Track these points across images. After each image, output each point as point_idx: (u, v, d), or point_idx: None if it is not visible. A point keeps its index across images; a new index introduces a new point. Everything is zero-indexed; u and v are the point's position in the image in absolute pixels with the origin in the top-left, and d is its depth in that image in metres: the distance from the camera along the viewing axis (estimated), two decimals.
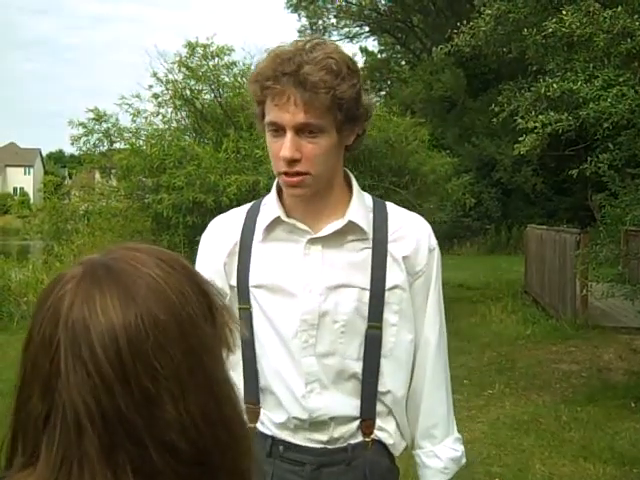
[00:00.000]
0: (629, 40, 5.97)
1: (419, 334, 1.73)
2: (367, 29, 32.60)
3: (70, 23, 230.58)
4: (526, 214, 22.87)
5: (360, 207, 1.70)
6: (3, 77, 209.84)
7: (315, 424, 1.66)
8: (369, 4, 30.68)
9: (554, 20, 6.25)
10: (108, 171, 12.02)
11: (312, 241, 1.67)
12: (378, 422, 1.69)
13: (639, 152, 6.79)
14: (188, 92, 10.76)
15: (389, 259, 1.67)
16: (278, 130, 1.58)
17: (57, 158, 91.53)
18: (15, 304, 10.48)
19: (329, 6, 31.11)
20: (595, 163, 6.68)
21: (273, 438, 1.69)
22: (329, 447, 1.66)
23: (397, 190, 10.39)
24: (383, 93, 30.76)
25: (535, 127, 6.30)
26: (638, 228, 10.06)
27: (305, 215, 1.68)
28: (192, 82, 10.74)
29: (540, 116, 6.30)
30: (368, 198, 1.76)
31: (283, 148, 1.56)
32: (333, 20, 31.73)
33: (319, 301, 1.64)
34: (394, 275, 1.67)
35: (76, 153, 12.88)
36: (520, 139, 6.66)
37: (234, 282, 1.72)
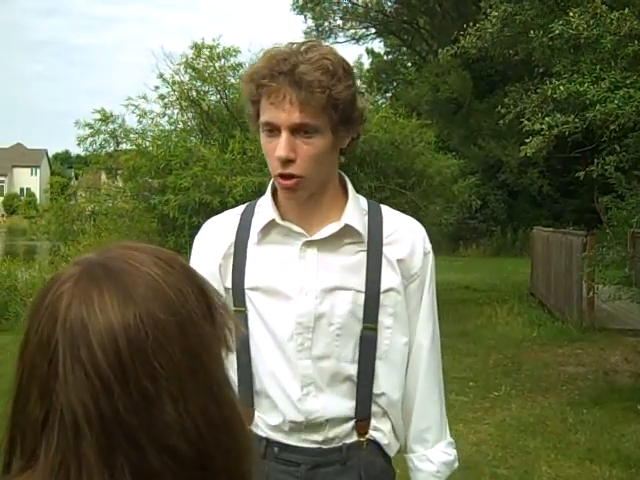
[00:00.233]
0: (636, 42, 5.97)
1: (412, 337, 1.73)
2: (373, 31, 32.56)
3: (78, 24, 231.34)
4: (532, 216, 22.82)
5: (356, 210, 1.69)
6: (10, 78, 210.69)
7: (311, 426, 1.66)
8: (375, 6, 30.65)
9: (561, 22, 6.24)
10: (114, 172, 12.06)
11: (307, 244, 1.66)
12: (373, 422, 1.69)
13: None
14: (194, 93, 10.78)
15: (384, 262, 1.68)
16: (273, 130, 1.58)
17: (63, 159, 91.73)
18: (22, 304, 10.49)
19: (335, 8, 31.08)
20: (602, 165, 6.66)
21: (267, 440, 1.68)
22: (324, 447, 1.66)
23: (403, 192, 10.38)
24: (389, 95, 30.73)
25: (541, 129, 6.30)
26: None
27: (300, 218, 1.68)
28: (198, 83, 10.76)
29: (546, 118, 6.29)
30: (363, 201, 1.76)
31: (278, 148, 1.56)
32: (339, 22, 31.69)
33: (315, 304, 1.64)
34: (389, 278, 1.67)
35: (82, 154, 12.92)
36: (527, 141, 6.65)
37: (229, 284, 1.71)
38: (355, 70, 1.71)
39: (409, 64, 33.44)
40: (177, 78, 10.70)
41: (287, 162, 1.57)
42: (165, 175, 9.61)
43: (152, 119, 10.72)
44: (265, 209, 1.71)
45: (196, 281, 0.85)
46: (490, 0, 8.32)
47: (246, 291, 1.69)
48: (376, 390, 1.68)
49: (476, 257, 22.54)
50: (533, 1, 7.50)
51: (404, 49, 33.64)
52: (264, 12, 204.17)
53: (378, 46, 35.34)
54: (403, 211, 1.86)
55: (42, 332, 0.78)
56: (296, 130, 1.55)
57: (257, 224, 1.70)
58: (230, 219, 1.77)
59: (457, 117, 25.06)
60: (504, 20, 7.33)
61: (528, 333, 9.87)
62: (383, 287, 1.66)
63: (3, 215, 56.65)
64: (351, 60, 1.78)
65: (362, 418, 1.67)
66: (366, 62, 33.25)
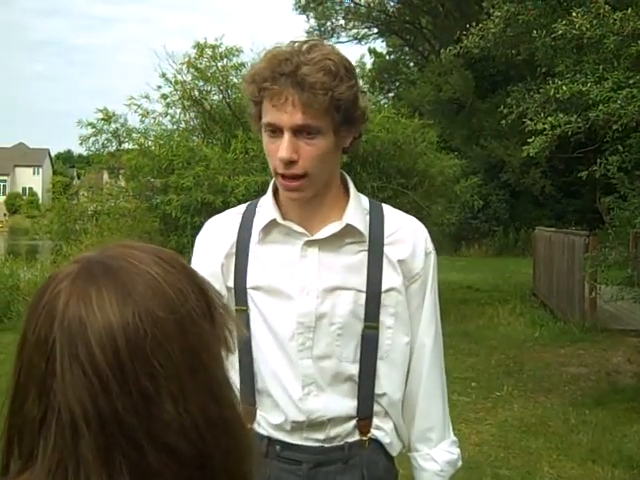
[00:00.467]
0: (639, 42, 5.95)
1: (414, 337, 1.73)
2: (375, 30, 32.55)
3: (78, 24, 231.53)
4: (534, 216, 22.82)
5: (357, 210, 1.69)
6: (12, 78, 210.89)
7: (312, 425, 1.66)
8: (377, 5, 30.63)
9: (564, 22, 6.24)
10: (116, 171, 12.06)
11: (309, 243, 1.66)
12: (375, 421, 1.69)
13: None
14: (197, 93, 10.79)
15: (385, 262, 1.67)
16: (275, 131, 1.57)
17: (66, 158, 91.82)
18: (24, 304, 10.50)
19: (337, 7, 31.08)
20: (604, 165, 6.66)
21: (269, 438, 1.68)
22: (326, 446, 1.66)
23: (405, 192, 10.38)
24: (391, 95, 30.71)
25: (544, 129, 6.29)
26: None
27: (301, 217, 1.68)
28: (201, 83, 10.77)
29: (549, 118, 6.29)
30: (365, 200, 1.75)
31: (280, 149, 1.56)
32: (341, 21, 31.69)
33: (316, 303, 1.64)
34: (390, 278, 1.67)
35: (85, 153, 12.96)
36: (529, 141, 6.65)
37: (231, 284, 1.71)
38: (357, 70, 1.71)
39: (411, 64, 33.45)
40: (179, 78, 10.71)
41: (289, 163, 1.56)
42: (167, 175, 9.61)
43: (154, 119, 10.75)
44: (266, 209, 1.71)
45: (196, 281, 0.84)
46: (493, 0, 8.31)
47: (248, 290, 1.69)
48: (377, 390, 1.68)
49: (478, 257, 22.54)
50: (536, 1, 7.49)
51: (406, 49, 33.62)
52: (266, 12, 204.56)
53: (380, 46, 35.31)
54: (405, 211, 1.85)
55: (39, 331, 0.78)
56: (298, 131, 1.55)
57: (258, 223, 1.70)
58: (232, 218, 1.77)
59: (459, 117, 25.05)
60: (507, 20, 7.32)
61: (530, 333, 9.86)
62: (384, 287, 1.66)
63: (5, 214, 56.72)
64: (353, 60, 1.77)
65: (364, 417, 1.67)
66: (368, 62, 33.25)
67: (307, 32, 30.39)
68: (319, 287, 1.64)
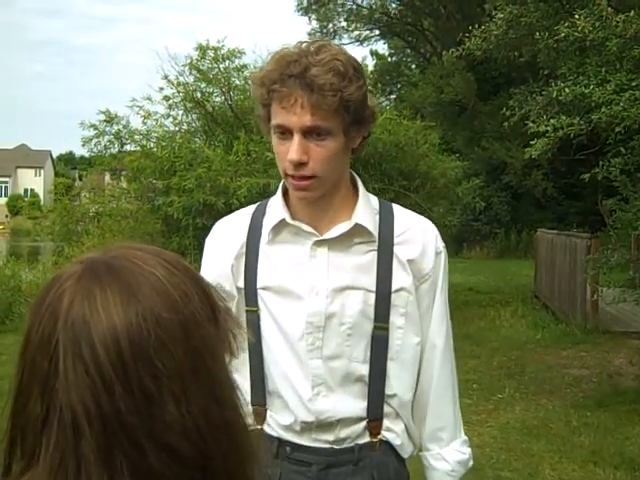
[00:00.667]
0: None
1: (425, 337, 1.72)
2: (377, 32, 32.53)
3: (78, 24, 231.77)
4: (536, 218, 22.78)
5: (366, 209, 1.69)
6: (13, 78, 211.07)
7: (322, 426, 1.65)
8: (379, 7, 30.64)
9: (567, 24, 6.24)
10: (118, 173, 12.07)
11: (318, 243, 1.66)
12: (386, 423, 1.68)
13: None
14: (199, 94, 10.79)
15: (395, 261, 1.67)
16: (285, 133, 1.57)
17: (67, 160, 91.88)
18: (26, 305, 10.51)
19: (339, 9, 31.08)
20: (607, 167, 6.66)
21: (279, 439, 1.68)
22: (336, 447, 1.66)
23: (407, 194, 10.37)
24: (393, 96, 30.72)
25: (546, 131, 6.29)
26: None
27: (311, 217, 1.68)
28: (203, 85, 10.77)
29: (552, 120, 6.29)
30: (374, 200, 1.75)
31: (290, 151, 1.55)
32: (343, 23, 31.69)
33: (325, 303, 1.64)
34: (400, 278, 1.67)
35: (87, 155, 12.97)
36: (532, 143, 6.65)
37: (241, 284, 1.71)
38: None
39: (413, 66, 33.46)
40: (182, 79, 10.72)
41: (299, 165, 1.56)
42: (169, 176, 9.61)
43: (156, 120, 10.75)
44: (276, 209, 1.71)
45: (200, 284, 0.84)
46: (495, 2, 8.32)
47: (258, 291, 1.69)
48: (388, 391, 1.67)
49: (480, 259, 22.52)
50: (538, 3, 7.49)
51: (408, 51, 33.62)
52: (268, 13, 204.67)
53: (382, 48, 35.35)
54: None
55: (43, 330, 0.78)
56: (308, 133, 1.55)
57: (268, 224, 1.70)
58: (241, 219, 1.77)
59: (461, 119, 25.05)
60: (509, 22, 7.33)
61: (532, 335, 9.86)
62: (394, 287, 1.66)
63: (7, 216, 56.75)
64: None
65: (374, 418, 1.67)
66: (370, 64, 33.19)
67: (309, 34, 30.41)
68: (328, 287, 1.64)
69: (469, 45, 7.48)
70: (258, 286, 1.69)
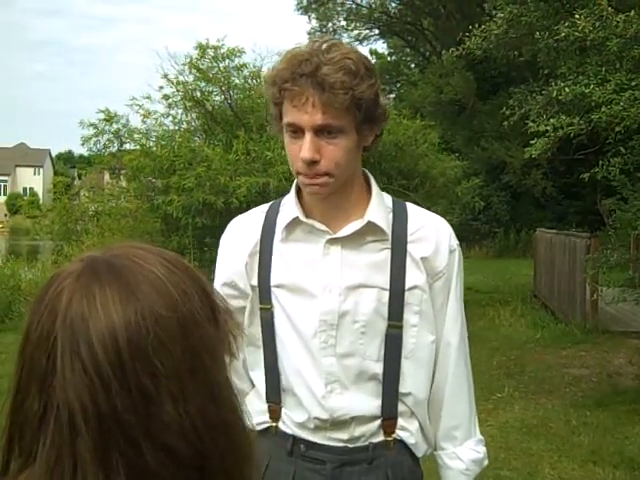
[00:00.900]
0: None
1: (440, 335, 1.72)
2: (377, 32, 32.53)
3: (78, 24, 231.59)
4: (535, 217, 22.79)
5: (379, 207, 1.69)
6: (13, 78, 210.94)
7: (336, 424, 1.65)
8: (379, 7, 30.64)
9: (567, 24, 6.23)
10: (118, 172, 12.06)
11: (331, 241, 1.67)
12: (400, 422, 1.68)
13: None
14: (198, 94, 10.77)
15: (408, 259, 1.67)
16: (297, 131, 1.57)
17: (66, 159, 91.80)
18: (25, 304, 10.51)
19: (339, 8, 31.08)
20: (606, 167, 6.66)
21: (294, 437, 1.68)
22: (350, 446, 1.66)
23: (406, 193, 10.36)
24: (393, 96, 30.70)
25: (546, 130, 6.29)
26: None
27: (324, 215, 1.68)
28: (202, 84, 10.75)
29: (552, 120, 6.29)
30: (388, 198, 1.75)
31: (302, 149, 1.56)
32: (343, 22, 31.69)
33: (338, 301, 1.64)
34: (413, 276, 1.67)
35: (86, 154, 12.98)
36: (531, 142, 6.65)
37: (255, 282, 1.72)
38: None
39: (412, 65, 33.47)
40: (181, 78, 10.70)
41: (312, 163, 1.57)
42: (169, 175, 9.60)
43: (156, 119, 10.73)
44: (289, 207, 1.71)
45: (200, 283, 0.84)
46: (495, 2, 8.32)
47: (272, 289, 1.69)
48: (402, 389, 1.67)
49: (479, 258, 22.51)
50: (538, 3, 7.49)
51: (408, 50, 33.62)
52: (267, 12, 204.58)
53: (382, 47, 35.42)
54: None
55: (42, 328, 0.78)
56: (320, 131, 1.55)
57: (281, 222, 1.71)
58: (255, 217, 1.78)
59: (460, 118, 25.03)
60: (509, 22, 7.32)
61: (531, 335, 9.86)
62: (408, 285, 1.66)
63: (6, 215, 56.72)
64: None
65: (388, 417, 1.67)
66: None
67: (309, 33, 30.43)
68: (341, 285, 1.64)
69: (469, 44, 7.48)
70: (272, 284, 1.69)
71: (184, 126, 11.18)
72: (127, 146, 11.11)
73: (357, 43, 32.04)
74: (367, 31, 32.42)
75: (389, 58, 34.46)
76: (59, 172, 74.81)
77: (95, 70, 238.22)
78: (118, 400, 0.74)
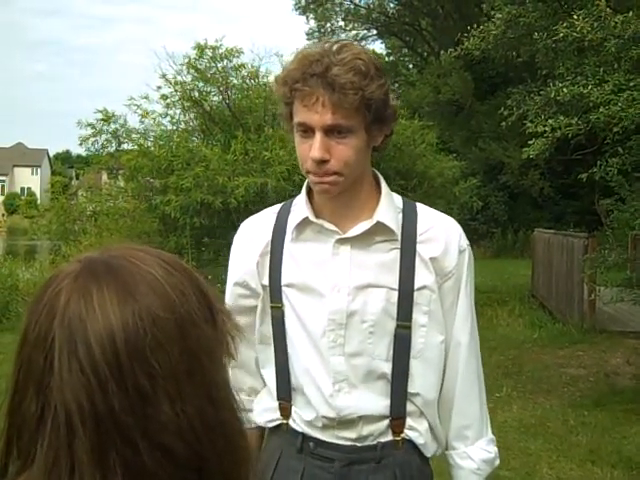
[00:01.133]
0: None
1: (449, 335, 1.72)
2: (375, 32, 32.54)
3: (77, 24, 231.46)
4: (533, 218, 22.82)
5: (389, 207, 1.70)
6: (12, 78, 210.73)
7: (343, 422, 1.66)
8: (377, 7, 30.65)
9: (565, 25, 6.24)
10: (115, 172, 12.06)
11: (340, 241, 1.68)
12: (409, 421, 1.68)
13: None
14: (196, 94, 10.78)
15: (417, 260, 1.67)
16: (307, 131, 1.59)
17: (64, 158, 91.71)
18: (23, 304, 10.50)
19: (337, 9, 31.09)
20: (604, 167, 6.66)
21: (304, 435, 1.70)
22: (358, 445, 1.67)
23: (405, 193, 10.38)
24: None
25: (545, 131, 6.29)
26: None
27: (333, 215, 1.69)
28: (201, 84, 10.76)
29: (550, 120, 6.30)
30: (398, 198, 1.76)
31: (312, 149, 1.57)
32: (341, 23, 31.70)
33: (347, 301, 1.65)
34: (423, 276, 1.67)
35: (84, 154, 12.97)
36: (529, 142, 6.65)
37: (266, 281, 1.74)
38: None
39: (410, 65, 33.48)
40: (179, 78, 10.71)
41: (321, 162, 1.58)
42: (167, 175, 9.61)
43: (154, 119, 10.74)
44: (300, 207, 1.73)
45: (198, 285, 0.84)
46: (493, 2, 8.32)
47: (282, 288, 1.71)
48: (411, 389, 1.67)
49: (477, 259, 21.92)
50: (536, 3, 7.50)
51: (405, 50, 33.64)
52: (266, 13, 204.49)
53: (380, 47, 35.27)
54: None
55: (40, 328, 0.78)
56: (330, 131, 1.56)
57: (292, 222, 1.73)
58: (267, 217, 1.80)
59: (458, 119, 25.06)
60: (508, 22, 7.33)
61: (529, 335, 9.86)
62: (417, 285, 1.66)
63: (4, 215, 56.68)
64: None
65: (397, 417, 1.67)
66: None
67: (307, 33, 30.46)
68: (350, 285, 1.65)
69: (467, 45, 7.49)
70: (282, 283, 1.71)
71: (182, 126, 11.20)
72: (125, 146, 11.12)
73: (355, 43, 32.05)
74: (365, 31, 32.44)
75: (387, 58, 34.42)
76: (57, 172, 74.75)
77: (95, 70, 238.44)
78: (115, 400, 0.74)
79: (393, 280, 1.66)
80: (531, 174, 22.27)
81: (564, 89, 6.14)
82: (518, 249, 22.66)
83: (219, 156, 9.32)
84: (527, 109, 6.95)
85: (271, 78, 11.12)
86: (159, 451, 0.76)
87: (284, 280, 1.71)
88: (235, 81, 10.72)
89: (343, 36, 31.14)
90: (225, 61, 10.59)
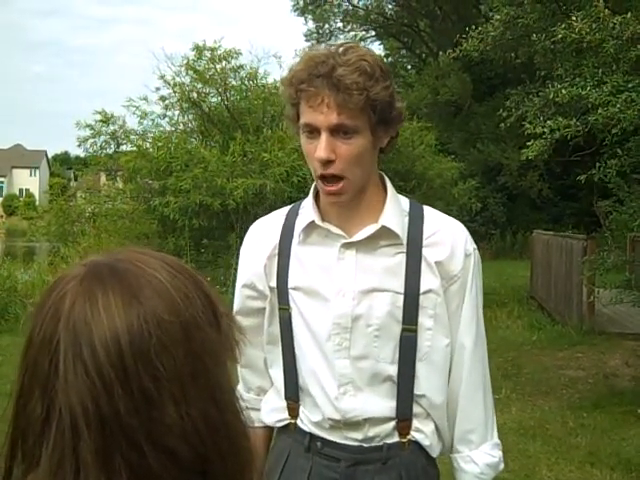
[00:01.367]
0: (638, 46, 5.96)
1: (454, 339, 1.72)
2: (373, 33, 32.56)
3: (77, 25, 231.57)
4: (531, 219, 22.84)
5: (395, 211, 1.70)
6: (10, 79, 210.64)
7: (349, 424, 1.68)
8: (375, 8, 30.68)
9: (563, 26, 6.24)
10: (114, 173, 12.07)
11: (346, 245, 1.68)
12: (415, 423, 1.69)
13: None
14: (195, 95, 10.79)
15: (423, 264, 1.68)
16: (313, 132, 1.60)
17: (63, 160, 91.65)
18: (21, 305, 10.49)
19: (335, 10, 31.11)
20: (603, 169, 6.66)
21: (311, 435, 1.72)
22: (365, 445, 1.68)
23: (404, 194, 10.38)
24: None
25: (543, 132, 6.29)
26: None
27: (340, 219, 1.70)
28: (199, 85, 10.77)
29: (548, 121, 6.30)
30: (405, 201, 1.76)
31: (318, 149, 1.58)
32: (339, 24, 31.74)
33: (352, 305, 1.66)
34: (428, 280, 1.67)
35: (82, 155, 12.96)
36: (528, 144, 6.65)
37: (274, 284, 1.75)
38: None
39: (409, 67, 33.51)
40: (178, 80, 10.72)
41: (327, 163, 1.59)
42: (165, 177, 9.62)
43: (153, 120, 10.76)
44: (307, 210, 1.74)
45: (203, 288, 0.84)
46: (491, 3, 8.33)
47: (289, 291, 1.72)
48: (417, 391, 1.68)
49: None
50: (535, 5, 7.50)
51: (404, 52, 33.67)
52: (264, 14, 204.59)
53: (378, 49, 35.30)
54: None
55: (45, 331, 0.78)
56: (335, 131, 1.57)
57: (299, 225, 1.74)
58: (275, 220, 1.81)
59: (457, 120, 25.10)
60: (506, 23, 7.34)
61: (528, 336, 9.86)
62: (422, 289, 1.67)
63: (2, 216, 56.65)
64: None
65: (403, 419, 1.68)
66: None
67: (305, 35, 30.48)
68: (355, 289, 1.66)
69: (466, 46, 7.49)
70: (289, 286, 1.73)
71: (181, 127, 11.22)
72: (123, 147, 11.14)
73: (361, 45, 32.06)
74: (363, 33, 32.44)
75: (385, 60, 34.44)
76: (55, 173, 74.81)
77: (93, 71, 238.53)
78: (120, 403, 0.74)
79: (399, 284, 1.66)
80: (530, 175, 22.30)
81: (563, 90, 6.14)
82: (517, 251, 22.67)
83: (218, 157, 9.33)
84: (526, 110, 6.94)
85: (270, 79, 11.16)
86: (164, 454, 0.76)
87: (291, 283, 1.72)
88: (234, 82, 10.73)
89: (341, 37, 31.20)
90: (224, 62, 10.61)
